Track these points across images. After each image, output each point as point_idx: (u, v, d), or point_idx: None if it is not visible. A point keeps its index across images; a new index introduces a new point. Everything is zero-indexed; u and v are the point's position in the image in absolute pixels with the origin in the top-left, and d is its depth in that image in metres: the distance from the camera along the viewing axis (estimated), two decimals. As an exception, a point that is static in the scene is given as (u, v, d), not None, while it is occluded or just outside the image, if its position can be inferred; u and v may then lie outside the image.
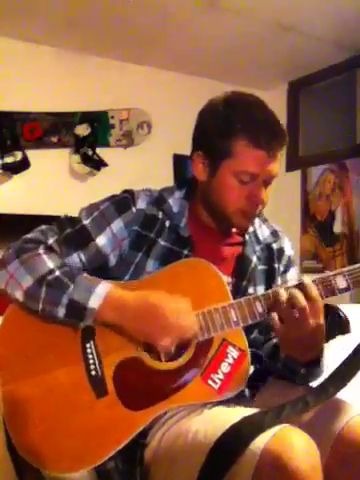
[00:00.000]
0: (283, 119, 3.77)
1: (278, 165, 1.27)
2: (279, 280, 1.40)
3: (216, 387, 1.17)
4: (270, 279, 1.38)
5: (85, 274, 1.22)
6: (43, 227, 1.30)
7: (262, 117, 1.27)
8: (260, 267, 1.37)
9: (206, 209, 1.34)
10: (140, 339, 1.18)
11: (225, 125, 1.26)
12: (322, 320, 1.17)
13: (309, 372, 1.26)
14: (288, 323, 1.16)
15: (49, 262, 1.21)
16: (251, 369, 1.28)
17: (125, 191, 1.35)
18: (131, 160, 3.41)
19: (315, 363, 1.25)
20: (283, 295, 1.16)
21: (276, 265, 1.40)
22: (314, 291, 1.16)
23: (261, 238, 1.40)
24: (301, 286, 1.16)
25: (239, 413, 1.11)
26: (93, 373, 1.19)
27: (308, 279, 1.18)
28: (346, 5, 2.74)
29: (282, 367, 1.30)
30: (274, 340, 1.38)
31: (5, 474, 1.23)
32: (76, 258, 1.27)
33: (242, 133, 1.23)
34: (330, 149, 3.59)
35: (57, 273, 1.19)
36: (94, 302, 1.15)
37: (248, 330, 1.28)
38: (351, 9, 2.77)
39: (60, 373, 1.18)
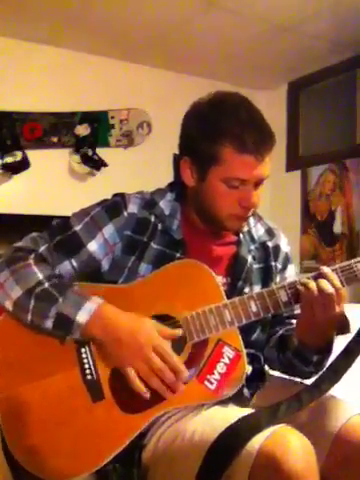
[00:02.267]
0: (283, 119, 3.83)
1: (268, 167, 1.25)
2: (278, 278, 1.40)
3: (212, 388, 1.17)
4: (267, 278, 1.38)
5: (75, 287, 1.20)
6: (34, 234, 1.30)
7: (248, 120, 1.23)
8: (256, 266, 1.36)
9: (197, 213, 1.33)
10: (115, 361, 1.17)
11: (210, 130, 1.23)
12: (343, 307, 1.19)
13: (319, 360, 1.27)
14: (317, 308, 1.16)
15: (39, 273, 1.20)
16: (250, 369, 1.28)
17: (116, 195, 1.34)
18: (131, 160, 3.41)
19: (327, 351, 1.26)
20: (312, 284, 1.17)
21: (273, 263, 1.39)
22: (336, 281, 1.17)
23: (256, 237, 1.39)
24: (323, 275, 1.18)
25: (236, 413, 1.11)
26: (89, 377, 1.18)
27: (327, 268, 1.19)
28: (346, 5, 2.73)
29: (293, 355, 1.30)
30: (280, 331, 1.39)
31: (3, 480, 1.23)
32: (68, 265, 1.26)
33: (228, 138, 1.20)
34: (330, 149, 3.57)
35: (46, 285, 1.18)
36: (82, 318, 1.14)
37: (249, 330, 1.29)
38: (351, 9, 2.76)
39: (56, 378, 1.18)
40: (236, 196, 1.24)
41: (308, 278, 1.20)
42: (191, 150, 1.28)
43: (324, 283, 1.16)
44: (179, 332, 1.18)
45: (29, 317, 1.17)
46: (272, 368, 1.43)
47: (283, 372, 1.39)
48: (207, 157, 1.24)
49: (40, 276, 1.20)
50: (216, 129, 1.23)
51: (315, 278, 1.19)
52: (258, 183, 1.26)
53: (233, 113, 1.24)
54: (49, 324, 1.16)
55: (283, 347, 1.34)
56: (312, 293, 1.16)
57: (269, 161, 1.25)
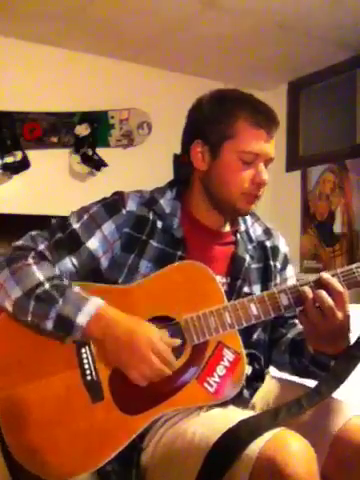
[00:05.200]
0: (283, 119, 3.82)
1: (274, 148, 1.30)
2: (278, 278, 1.40)
3: (212, 390, 1.17)
4: (266, 278, 1.37)
5: (76, 288, 1.20)
6: (33, 233, 1.29)
7: (256, 100, 1.31)
8: (254, 266, 1.36)
9: (205, 199, 1.33)
10: (115, 363, 1.16)
11: (224, 109, 1.29)
12: (349, 310, 1.16)
13: None
14: (316, 320, 1.14)
15: (38, 273, 1.20)
16: (249, 369, 1.28)
17: (115, 193, 1.34)
18: (131, 160, 3.41)
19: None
20: (310, 295, 1.15)
21: (271, 263, 1.39)
22: (338, 286, 1.15)
23: (253, 237, 1.39)
24: (323, 282, 1.15)
25: (236, 416, 1.11)
26: (88, 378, 1.18)
27: (327, 274, 1.17)
28: (346, 5, 2.73)
29: (310, 363, 1.29)
30: (290, 335, 1.38)
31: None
32: (68, 263, 1.26)
33: (243, 113, 1.26)
34: (330, 149, 3.58)
35: (46, 286, 1.18)
36: (82, 319, 1.14)
37: (250, 331, 1.29)
38: (351, 9, 2.76)
39: (56, 378, 1.18)
40: (248, 173, 1.27)
41: (307, 284, 1.17)
42: (203, 131, 1.31)
43: (323, 295, 1.14)
44: (178, 342, 1.17)
45: (29, 318, 1.17)
46: (281, 371, 1.42)
47: (295, 376, 1.38)
48: (221, 133, 1.28)
49: (40, 277, 1.19)
50: (230, 107, 1.29)
51: (313, 286, 1.16)
52: (267, 164, 1.30)
53: (243, 95, 1.33)
54: (49, 325, 1.16)
55: (297, 353, 1.33)
56: (308, 305, 1.15)
57: (274, 142, 1.31)
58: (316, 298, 1.14)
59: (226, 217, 1.36)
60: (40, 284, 1.18)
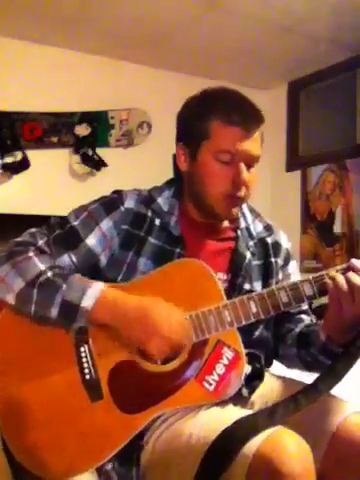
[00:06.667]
0: (283, 119, 3.84)
1: (257, 146, 1.27)
2: (280, 274, 1.40)
3: (211, 389, 1.17)
4: (267, 274, 1.37)
5: (77, 275, 1.21)
6: (32, 230, 1.30)
7: (235, 98, 1.29)
8: (255, 262, 1.36)
9: (192, 201, 1.34)
10: (130, 341, 1.17)
11: (200, 109, 1.28)
12: None
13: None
14: (342, 304, 1.15)
15: (40, 264, 1.20)
16: (249, 368, 1.28)
17: (114, 192, 1.35)
18: (131, 160, 3.41)
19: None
20: (341, 277, 1.15)
21: (273, 259, 1.38)
22: None
23: (254, 233, 1.38)
24: (352, 268, 1.16)
25: (233, 415, 1.10)
26: (87, 377, 1.18)
27: (358, 261, 1.17)
28: (346, 5, 2.73)
29: (318, 352, 1.29)
30: (297, 329, 1.38)
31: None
32: (67, 259, 1.27)
33: (215, 112, 1.25)
34: (330, 149, 3.58)
35: (49, 274, 1.19)
36: (87, 302, 1.15)
37: (251, 328, 1.29)
38: (351, 9, 2.77)
39: (55, 377, 1.18)
40: (227, 174, 1.25)
41: (336, 271, 1.18)
42: (183, 133, 1.33)
43: (354, 277, 1.14)
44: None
45: (33, 308, 1.17)
46: (290, 367, 1.42)
47: (304, 369, 1.38)
48: (197, 134, 1.27)
49: (42, 267, 1.20)
50: (205, 107, 1.28)
51: (344, 271, 1.17)
52: (249, 163, 1.27)
53: (222, 94, 1.31)
54: (54, 313, 1.16)
55: (305, 344, 1.33)
56: (341, 287, 1.14)
57: (258, 140, 1.28)
58: (347, 280, 1.14)
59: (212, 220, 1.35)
60: (42, 273, 1.19)
